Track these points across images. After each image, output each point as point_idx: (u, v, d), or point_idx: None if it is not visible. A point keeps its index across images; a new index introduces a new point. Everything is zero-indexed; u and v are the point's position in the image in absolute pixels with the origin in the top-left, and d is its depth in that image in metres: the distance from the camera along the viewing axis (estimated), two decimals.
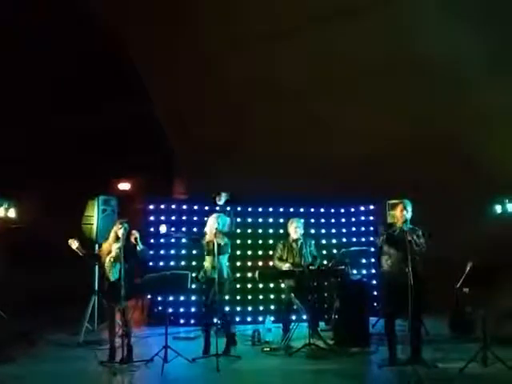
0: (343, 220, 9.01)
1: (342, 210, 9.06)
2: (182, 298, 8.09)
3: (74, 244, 5.62)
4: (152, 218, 8.38)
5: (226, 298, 6.89)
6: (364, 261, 8.61)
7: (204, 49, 9.65)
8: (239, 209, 8.57)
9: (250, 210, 8.66)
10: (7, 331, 6.47)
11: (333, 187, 8.97)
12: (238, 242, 8.25)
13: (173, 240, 7.87)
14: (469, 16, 7.98)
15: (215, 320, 6.29)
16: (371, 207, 8.96)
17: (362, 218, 9.02)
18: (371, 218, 8.93)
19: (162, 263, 8.15)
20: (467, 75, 8.33)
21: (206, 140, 10.35)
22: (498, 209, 7.43)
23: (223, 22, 9.20)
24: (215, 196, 6.81)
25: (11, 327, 6.58)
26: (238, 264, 8.23)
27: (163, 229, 6.40)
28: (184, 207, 8.59)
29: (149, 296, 8.05)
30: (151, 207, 8.48)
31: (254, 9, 8.79)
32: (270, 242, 8.25)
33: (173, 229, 7.76)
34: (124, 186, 13.23)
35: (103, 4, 9.80)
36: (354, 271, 8.24)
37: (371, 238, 8.73)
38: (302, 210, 8.68)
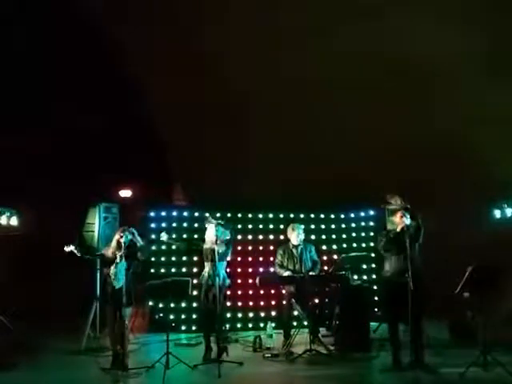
0: (343, 226, 9.05)
1: (342, 216, 9.09)
2: (183, 305, 8.11)
3: (69, 247, 5.74)
4: (153, 225, 8.42)
5: (226, 304, 6.92)
6: (364, 266, 8.63)
7: (203, 49, 9.68)
8: (240, 215, 8.62)
9: (250, 216, 8.70)
10: (9, 338, 6.49)
11: (333, 192, 9.01)
12: (239, 248, 8.28)
13: (174, 247, 7.91)
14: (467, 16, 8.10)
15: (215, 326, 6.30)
16: (371, 213, 8.99)
17: (363, 223, 9.05)
18: (371, 223, 8.96)
19: (163, 270, 8.19)
20: (467, 75, 8.40)
21: (205, 144, 10.36)
22: (497, 213, 7.46)
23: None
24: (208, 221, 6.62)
25: (13, 334, 6.59)
26: (239, 270, 8.25)
27: (164, 237, 6.43)
28: (185, 214, 8.63)
29: (150, 303, 8.07)
30: (152, 214, 8.53)
31: None
32: (271, 248, 8.28)
33: (174, 235, 7.80)
34: (125, 193, 13.24)
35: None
36: (355, 277, 8.26)
37: (371, 244, 8.77)
38: (302, 215, 8.72)
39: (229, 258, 6.33)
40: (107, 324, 5.90)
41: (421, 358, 5.44)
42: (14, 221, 7.03)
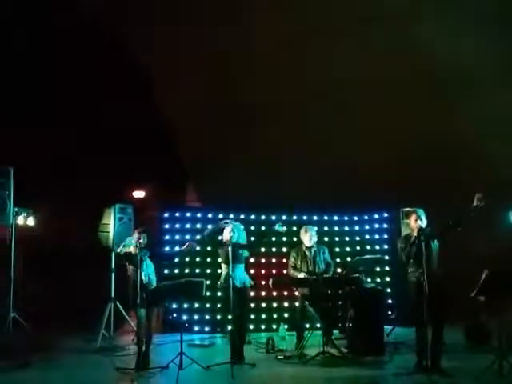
0: (357, 228, 9.01)
1: (356, 218, 9.05)
2: (196, 305, 8.14)
3: (127, 249, 5.84)
4: (167, 226, 8.47)
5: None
6: (378, 269, 8.58)
7: (210, 49, 9.70)
8: (253, 217, 8.62)
9: (263, 217, 8.70)
10: (24, 337, 6.56)
11: (346, 194, 8.97)
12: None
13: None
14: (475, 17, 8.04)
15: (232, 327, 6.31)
16: (385, 215, 8.93)
17: (376, 225, 9.00)
18: (385, 225, 8.91)
19: (176, 270, 8.22)
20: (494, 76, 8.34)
21: (217, 145, 10.36)
22: None
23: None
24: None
25: (28, 333, 6.66)
26: (252, 271, 8.24)
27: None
28: (198, 215, 8.66)
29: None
30: (166, 215, 8.57)
31: None
32: (284, 249, 8.28)
33: (187, 236, 7.85)
34: (138, 193, 13.39)
35: None
36: (369, 279, 8.21)
37: (385, 246, 8.72)
38: (315, 217, 8.70)
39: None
40: (140, 325, 5.79)
41: (438, 362, 5.40)
42: (30, 221, 7.11)
